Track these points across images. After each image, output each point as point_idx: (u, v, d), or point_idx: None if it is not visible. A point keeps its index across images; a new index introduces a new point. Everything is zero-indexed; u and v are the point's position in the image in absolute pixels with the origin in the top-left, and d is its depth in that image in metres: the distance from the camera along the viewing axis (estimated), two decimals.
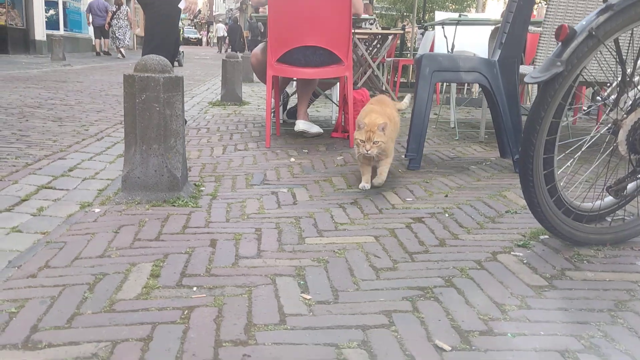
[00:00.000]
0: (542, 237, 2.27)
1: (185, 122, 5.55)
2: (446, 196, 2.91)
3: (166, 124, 2.71)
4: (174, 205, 2.64)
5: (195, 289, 1.76)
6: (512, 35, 3.53)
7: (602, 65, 2.75)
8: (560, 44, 1.89)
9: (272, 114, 5.02)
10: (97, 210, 2.54)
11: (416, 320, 1.57)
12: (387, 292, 1.76)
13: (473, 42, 5.56)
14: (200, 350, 1.40)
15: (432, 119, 5.62)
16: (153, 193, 2.73)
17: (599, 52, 1.94)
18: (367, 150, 2.79)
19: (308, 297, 1.71)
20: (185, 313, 1.59)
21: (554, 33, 2.20)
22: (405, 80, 10.04)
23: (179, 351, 1.39)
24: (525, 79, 1.88)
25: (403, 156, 3.81)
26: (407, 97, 3.66)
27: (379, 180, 2.97)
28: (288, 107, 5.53)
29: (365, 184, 3.00)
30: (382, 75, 8.39)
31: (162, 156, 2.72)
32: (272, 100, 4.60)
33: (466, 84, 8.32)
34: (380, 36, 7.74)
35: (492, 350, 1.42)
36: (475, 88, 7.96)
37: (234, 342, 1.44)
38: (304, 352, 1.40)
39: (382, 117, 2.86)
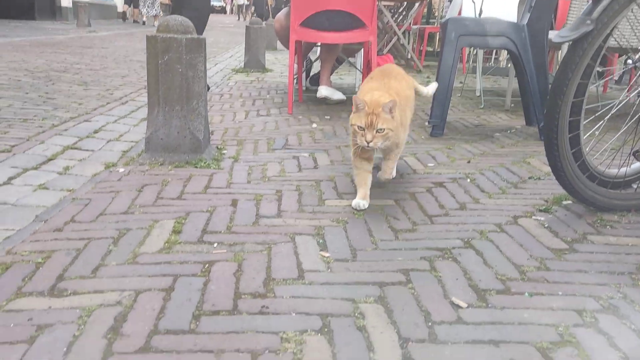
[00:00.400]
0: (565, 202, 2.23)
1: (208, 88, 5.57)
2: (469, 162, 2.88)
3: (188, 86, 2.72)
4: (196, 167, 2.67)
5: (215, 245, 1.79)
6: None
7: (635, 29, 2.66)
8: (590, 2, 1.83)
9: (295, 81, 5.00)
10: (121, 170, 2.59)
11: (433, 279, 1.58)
12: (405, 252, 1.76)
13: (502, 8, 5.40)
14: (220, 301, 1.43)
15: (457, 88, 5.53)
16: (175, 155, 2.75)
17: (631, 13, 1.87)
18: (369, 142, 1.97)
19: (327, 254, 1.73)
20: (205, 267, 1.62)
21: None
22: (431, 49, 9.85)
23: (200, 301, 1.42)
24: (554, 38, 1.83)
25: (426, 123, 3.77)
26: (433, 86, 2.79)
27: (385, 175, 2.26)
28: (311, 73, 5.50)
29: (360, 201, 2.12)
30: (408, 43, 8.24)
31: (185, 118, 2.74)
32: (295, 66, 4.57)
33: (494, 52, 8.13)
34: (406, 3, 7.58)
35: (509, 308, 1.42)
36: (503, 56, 7.78)
37: (253, 295, 1.47)
38: (321, 305, 1.42)
39: (388, 94, 2.10)
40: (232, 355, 1.20)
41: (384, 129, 1.98)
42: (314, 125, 3.76)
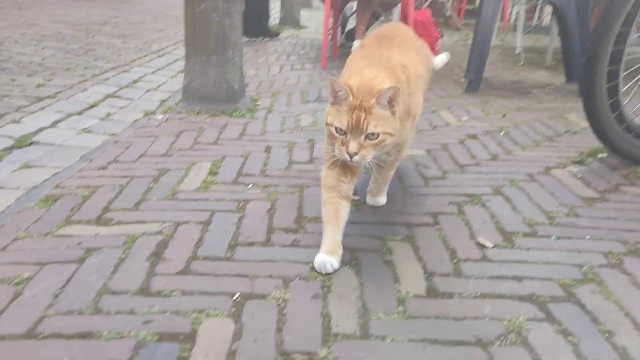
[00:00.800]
0: (600, 155, 2.21)
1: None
2: (504, 116, 2.85)
3: (225, 35, 2.75)
4: (231, 116, 2.73)
5: (250, 186, 1.86)
6: None
7: None
8: None
9: (330, 36, 4.97)
10: (159, 117, 2.67)
11: (461, 222, 1.61)
12: (434, 197, 1.80)
13: None
14: (254, 233, 1.50)
15: (497, 45, 5.39)
16: (212, 104, 2.82)
17: None
18: (352, 156, 1.27)
19: (356, 198, 1.78)
20: (240, 204, 1.69)
21: None
22: (471, 8, 9.56)
23: (235, 233, 1.50)
24: None
25: (462, 79, 3.72)
26: (442, 57, 2.07)
27: (376, 195, 1.70)
28: (347, 29, 5.44)
29: (326, 258, 1.33)
30: (448, 0, 8.02)
31: (221, 67, 2.79)
32: (331, 21, 4.54)
33: (536, 9, 7.85)
34: None
35: (535, 249, 1.45)
36: (547, 12, 7.50)
37: (285, 230, 1.53)
38: (351, 241, 1.47)
39: (388, 75, 1.36)
40: (265, 280, 1.27)
41: (379, 134, 1.25)
42: None
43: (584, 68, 1.90)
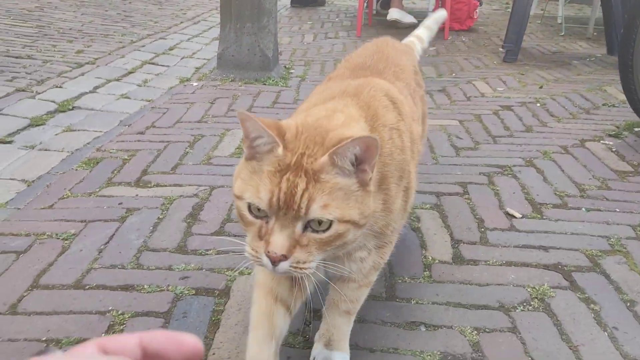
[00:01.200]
0: (636, 129, 2.16)
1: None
2: (541, 87, 2.80)
3: (260, 2, 2.76)
4: (265, 84, 2.76)
5: None
6: None
7: None
8: None
9: (365, 4, 4.90)
10: (195, 84, 2.72)
11: (490, 192, 1.62)
12: (465, 167, 1.81)
13: None
14: None
15: (537, 15, 5.23)
16: (245, 72, 2.85)
17: None
18: (275, 260, 0.71)
19: None
20: None
21: None
22: None
23: None
24: None
25: (500, 48, 3.65)
26: (422, 33, 1.58)
27: (332, 347, 0.96)
28: None
29: None
30: None
31: (255, 35, 2.81)
32: None
33: None
34: None
35: (563, 220, 1.46)
36: None
37: None
38: None
39: (361, 114, 0.87)
40: None
41: (331, 222, 0.73)
42: None
43: (622, 40, 1.86)
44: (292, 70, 3.07)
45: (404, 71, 1.16)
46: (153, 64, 3.08)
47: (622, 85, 1.98)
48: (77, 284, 1.14)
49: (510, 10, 3.50)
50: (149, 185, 1.60)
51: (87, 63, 2.91)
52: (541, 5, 5.78)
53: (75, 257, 1.23)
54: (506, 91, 2.73)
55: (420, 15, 4.98)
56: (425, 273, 1.22)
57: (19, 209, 1.45)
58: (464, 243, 1.34)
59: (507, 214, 1.49)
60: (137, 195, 1.54)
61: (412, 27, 4.42)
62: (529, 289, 1.17)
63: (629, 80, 1.91)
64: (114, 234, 1.33)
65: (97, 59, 3.01)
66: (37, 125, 2.06)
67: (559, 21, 4.93)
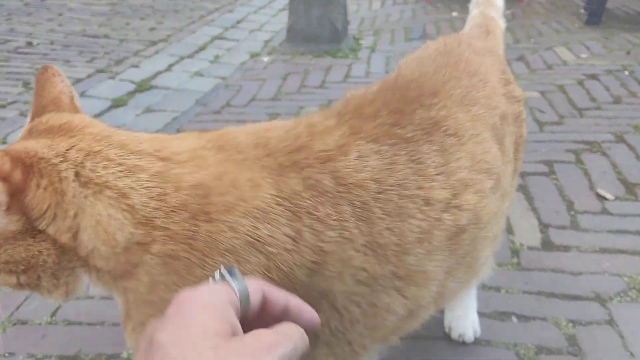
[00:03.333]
0: None
1: None
2: (628, 53, 2.61)
3: None
4: (335, 57, 2.72)
5: None
6: None
7: None
8: None
9: None
10: (265, 59, 2.72)
11: (578, 171, 1.54)
12: (550, 144, 1.72)
13: None
14: None
15: None
16: (315, 45, 2.82)
17: None
18: None
19: None
20: None
21: None
22: None
23: None
24: None
25: (581, 10, 3.42)
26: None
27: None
28: None
29: None
30: None
31: (324, 7, 2.76)
32: None
33: None
34: None
35: None
36: None
37: None
38: None
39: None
40: None
41: None
42: (454, 13, 3.59)
43: None
44: (361, 41, 3.02)
45: (486, 85, 0.77)
46: (223, 38, 3.11)
47: None
48: None
49: None
50: None
51: (161, 41, 2.97)
52: None
53: None
54: (590, 58, 2.57)
55: None
56: (513, 260, 1.18)
57: None
58: (552, 227, 1.29)
59: (598, 196, 1.41)
60: None
61: None
62: (625, 278, 1.11)
63: None
64: None
65: (169, 35, 3.07)
66: (119, 106, 2.14)
67: None
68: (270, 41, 3.07)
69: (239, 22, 3.46)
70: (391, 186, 0.60)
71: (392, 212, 0.59)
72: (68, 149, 0.53)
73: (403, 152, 0.63)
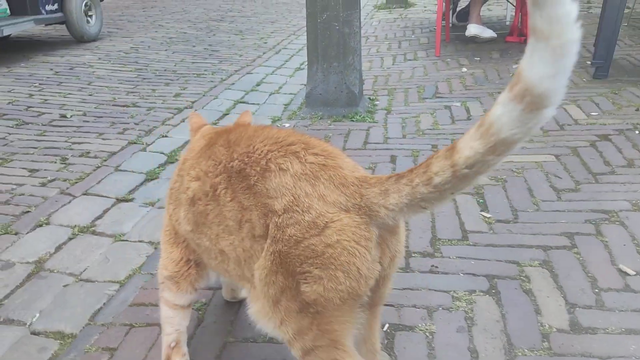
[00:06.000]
0: None
1: None
2: (637, 110, 2.70)
3: (345, 42, 2.85)
4: (352, 120, 2.84)
5: None
6: None
7: None
8: None
9: (442, 17, 4.87)
10: (286, 125, 2.84)
11: (599, 244, 1.61)
12: (569, 214, 1.79)
13: None
14: None
15: (624, 15, 4.99)
16: (333, 108, 2.94)
17: None
18: None
19: (488, 215, 1.82)
20: None
21: None
22: None
23: None
24: None
25: (588, 62, 3.53)
26: None
27: None
28: (458, 8, 5.30)
29: None
30: None
31: (341, 73, 2.90)
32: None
33: None
34: None
35: None
36: None
37: (422, 254, 1.63)
38: (487, 266, 1.54)
39: None
40: (410, 310, 1.39)
41: None
42: (464, 69, 3.71)
43: None
44: (376, 102, 3.14)
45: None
46: (244, 102, 3.25)
47: None
48: (217, 358, 1.27)
49: (593, 10, 3.37)
50: None
51: (186, 107, 3.11)
52: (628, 3, 5.49)
53: (210, 330, 1.36)
54: (601, 116, 2.66)
55: (497, 26, 4.90)
56: (544, 344, 1.24)
57: (152, 274, 1.61)
58: (579, 307, 1.35)
59: (620, 271, 1.48)
60: None
61: (492, 40, 4.37)
62: None
63: None
64: (239, 309, 1.45)
65: (193, 102, 3.21)
66: (152, 179, 2.25)
67: None
68: (290, 104, 3.20)
69: (258, 84, 3.61)
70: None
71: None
72: None
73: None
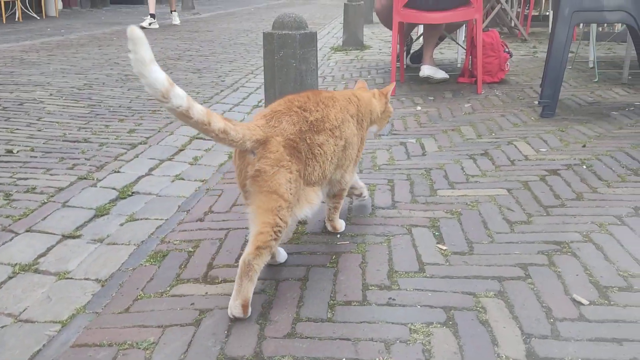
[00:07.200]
0: None
1: None
2: (584, 146, 2.81)
3: (302, 79, 2.88)
4: None
5: (339, 236, 1.94)
6: None
7: None
8: None
9: (396, 59, 5.01)
10: None
11: (552, 274, 1.63)
12: (522, 245, 1.82)
13: None
14: (350, 291, 1.58)
15: (569, 58, 5.26)
16: None
17: None
18: None
19: (444, 247, 1.83)
20: (333, 258, 1.78)
21: None
22: (537, 14, 9.31)
23: (332, 291, 1.58)
24: None
25: (536, 102, 3.68)
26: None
27: None
28: (412, 51, 5.48)
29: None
30: (511, 8, 7.85)
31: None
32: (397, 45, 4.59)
33: None
34: None
35: (632, 306, 1.45)
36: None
37: (379, 287, 1.60)
38: (443, 297, 1.53)
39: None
40: (366, 344, 1.35)
41: None
42: (418, 107, 3.80)
43: None
44: None
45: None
46: (200, 138, 3.20)
47: None
48: None
49: (539, 55, 3.54)
50: (217, 281, 1.66)
51: (140, 143, 3.05)
52: (571, 47, 5.80)
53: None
54: (549, 152, 2.75)
55: (449, 68, 5.08)
56: None
57: (97, 313, 1.53)
58: (535, 337, 1.35)
59: (574, 301, 1.49)
60: (206, 293, 1.60)
61: (444, 81, 4.51)
62: None
63: None
64: (191, 341, 1.38)
65: (148, 137, 3.15)
66: (102, 216, 2.17)
67: (591, 65, 4.95)
68: None
69: None
70: None
71: None
72: None
73: None
